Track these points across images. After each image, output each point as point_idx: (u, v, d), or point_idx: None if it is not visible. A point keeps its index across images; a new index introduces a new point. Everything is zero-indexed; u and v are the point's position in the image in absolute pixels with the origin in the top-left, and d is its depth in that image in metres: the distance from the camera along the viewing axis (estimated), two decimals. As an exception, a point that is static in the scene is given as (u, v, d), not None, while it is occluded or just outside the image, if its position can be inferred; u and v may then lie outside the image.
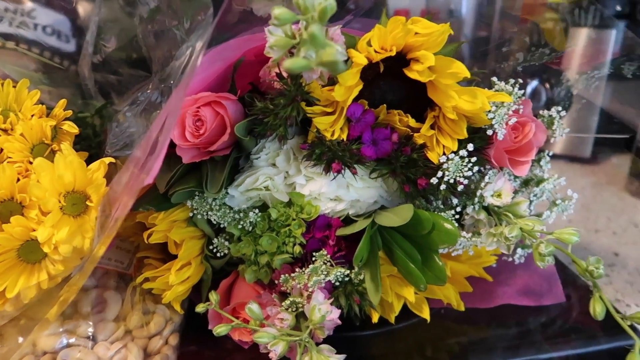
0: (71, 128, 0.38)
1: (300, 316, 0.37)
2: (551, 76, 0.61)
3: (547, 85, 0.70)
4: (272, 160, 0.40)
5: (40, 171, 0.33)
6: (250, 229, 0.40)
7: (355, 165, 0.37)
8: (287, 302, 0.36)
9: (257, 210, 0.39)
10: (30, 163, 0.35)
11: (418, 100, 0.38)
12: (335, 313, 0.35)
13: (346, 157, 0.37)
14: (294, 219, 0.39)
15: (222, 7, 0.33)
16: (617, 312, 0.32)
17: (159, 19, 0.39)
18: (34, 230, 0.34)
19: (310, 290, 0.37)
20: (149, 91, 0.43)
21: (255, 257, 0.40)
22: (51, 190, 0.34)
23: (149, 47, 0.42)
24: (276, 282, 0.39)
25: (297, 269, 0.38)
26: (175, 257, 0.41)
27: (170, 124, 0.30)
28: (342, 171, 0.37)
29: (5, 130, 0.35)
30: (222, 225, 0.40)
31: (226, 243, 0.40)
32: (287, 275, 0.38)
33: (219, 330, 0.35)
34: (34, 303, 0.36)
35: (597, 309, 0.30)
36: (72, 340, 0.37)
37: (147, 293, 0.41)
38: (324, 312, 0.33)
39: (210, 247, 0.41)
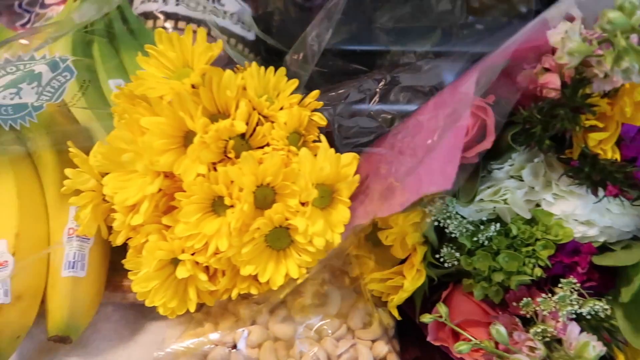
0: (320, 119, 0.38)
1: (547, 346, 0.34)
2: None
3: None
4: (516, 172, 0.37)
5: (305, 162, 0.34)
6: (486, 242, 0.37)
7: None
8: (538, 329, 0.33)
9: (498, 225, 0.37)
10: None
11: None
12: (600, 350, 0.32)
13: (620, 180, 0.33)
14: (538, 239, 0.36)
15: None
16: None
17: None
18: (287, 219, 0.35)
19: (560, 320, 0.34)
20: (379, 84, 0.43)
21: (489, 274, 0.37)
22: (310, 182, 0.34)
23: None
24: (514, 304, 0.36)
25: (542, 295, 0.35)
26: (389, 260, 0.40)
27: (462, 124, 0.28)
28: (620, 195, 0.33)
29: (265, 117, 0.36)
30: (452, 235, 0.38)
31: (457, 254, 0.38)
32: (528, 299, 0.35)
33: (461, 348, 0.33)
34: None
35: None
36: (300, 330, 0.37)
37: (363, 294, 0.41)
38: (598, 350, 0.30)
39: (437, 256, 0.39)
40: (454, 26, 0.36)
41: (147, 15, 0.69)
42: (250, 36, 0.69)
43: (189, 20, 0.66)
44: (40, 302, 0.38)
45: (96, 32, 0.51)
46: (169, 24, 0.68)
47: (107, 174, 0.36)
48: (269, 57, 0.65)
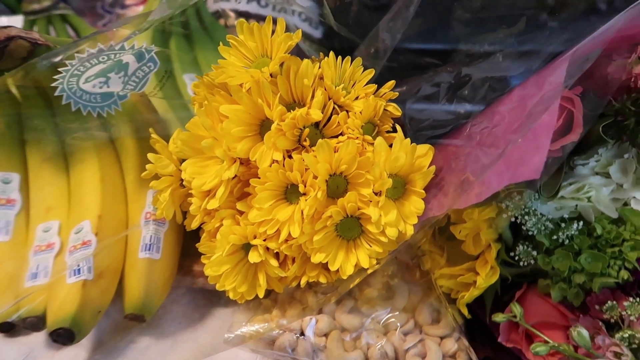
0: (395, 110, 0.38)
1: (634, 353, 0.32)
2: None
3: None
4: (602, 169, 0.35)
5: (380, 151, 0.33)
6: (566, 242, 0.36)
7: None
8: (625, 334, 0.31)
9: (581, 223, 0.35)
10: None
11: None
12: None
13: None
14: (625, 240, 0.34)
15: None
16: None
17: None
18: (360, 209, 0.34)
19: (649, 326, 0.31)
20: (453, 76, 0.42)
21: (569, 274, 0.36)
22: (385, 172, 0.33)
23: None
24: (596, 307, 0.34)
25: (629, 299, 0.33)
26: (461, 256, 0.39)
27: (552, 112, 0.27)
28: None
29: (341, 106, 0.36)
30: (529, 232, 0.37)
31: (533, 253, 0.37)
32: (613, 302, 0.33)
33: (539, 349, 0.32)
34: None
35: None
36: (367, 322, 0.37)
37: (432, 290, 0.40)
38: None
39: (511, 255, 0.38)
40: (538, 14, 0.35)
41: (219, 14, 0.71)
42: (317, 34, 0.69)
43: (260, 18, 0.68)
44: (118, 281, 0.40)
45: (174, 27, 0.53)
46: (239, 22, 0.70)
47: (184, 160, 0.37)
48: (336, 53, 0.65)
